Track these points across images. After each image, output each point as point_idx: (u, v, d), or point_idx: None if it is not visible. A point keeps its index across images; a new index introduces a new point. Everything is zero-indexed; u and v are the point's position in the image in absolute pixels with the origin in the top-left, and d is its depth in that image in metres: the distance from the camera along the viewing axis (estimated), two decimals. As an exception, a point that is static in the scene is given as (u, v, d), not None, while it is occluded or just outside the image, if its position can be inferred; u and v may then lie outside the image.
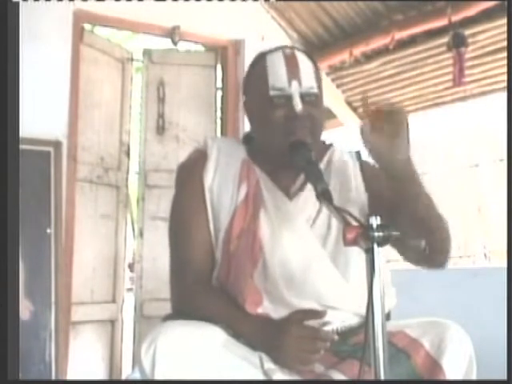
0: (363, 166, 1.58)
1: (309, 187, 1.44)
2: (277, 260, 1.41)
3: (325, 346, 1.29)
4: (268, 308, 1.39)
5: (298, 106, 1.42)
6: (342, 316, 1.43)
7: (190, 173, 1.53)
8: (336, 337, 1.30)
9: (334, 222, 1.43)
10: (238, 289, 1.40)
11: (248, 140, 1.60)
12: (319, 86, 1.48)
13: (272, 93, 1.43)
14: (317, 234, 1.46)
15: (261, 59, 1.50)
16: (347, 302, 1.43)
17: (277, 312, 1.39)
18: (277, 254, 1.41)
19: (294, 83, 1.43)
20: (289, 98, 1.43)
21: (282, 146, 1.42)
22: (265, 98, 1.44)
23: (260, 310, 1.38)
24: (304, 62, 1.47)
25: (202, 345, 1.25)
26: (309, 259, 1.42)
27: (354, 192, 1.53)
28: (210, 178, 1.50)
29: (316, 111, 1.46)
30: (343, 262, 1.43)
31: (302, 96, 1.43)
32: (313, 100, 1.45)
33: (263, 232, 1.42)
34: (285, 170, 1.49)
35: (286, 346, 1.28)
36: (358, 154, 1.61)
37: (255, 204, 1.45)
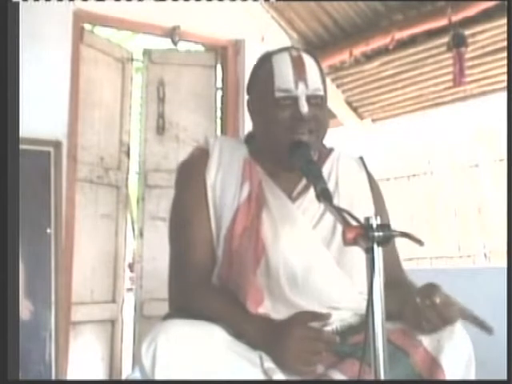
0: (370, 177, 1.61)
1: (312, 190, 1.43)
2: (279, 259, 1.41)
3: (326, 348, 1.29)
4: (269, 307, 1.39)
5: (304, 108, 1.42)
6: (342, 315, 1.43)
7: (192, 170, 1.53)
8: (338, 338, 1.30)
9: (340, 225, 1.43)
10: (239, 287, 1.40)
11: (250, 139, 1.60)
12: (324, 88, 1.49)
13: (278, 94, 1.44)
14: (320, 235, 1.46)
15: (266, 60, 1.51)
16: (351, 303, 1.43)
17: (278, 312, 1.39)
18: (279, 254, 1.41)
19: (301, 85, 1.43)
20: (295, 100, 1.43)
21: (286, 147, 1.43)
22: (270, 98, 1.45)
23: (261, 309, 1.38)
24: (310, 64, 1.48)
25: (202, 344, 1.25)
26: (311, 260, 1.42)
27: (362, 197, 1.56)
28: (212, 175, 1.50)
29: (321, 113, 1.47)
30: (349, 264, 1.43)
31: (308, 98, 1.44)
32: (318, 102, 1.46)
33: (265, 232, 1.42)
34: (287, 171, 1.50)
35: (288, 347, 1.27)
36: (362, 160, 1.63)
37: (258, 204, 1.46)
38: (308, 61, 1.48)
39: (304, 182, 1.50)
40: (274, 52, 1.51)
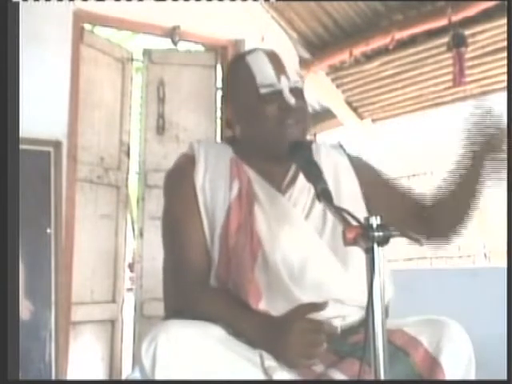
0: (352, 158, 1.62)
1: (300, 181, 1.47)
2: (276, 253, 1.41)
3: (327, 339, 1.29)
4: (269, 303, 1.39)
5: (291, 99, 1.46)
6: (344, 310, 1.42)
7: (180, 176, 1.53)
8: (339, 329, 1.30)
9: (330, 214, 1.43)
10: (238, 285, 1.40)
11: (232, 141, 1.60)
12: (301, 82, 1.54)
13: (262, 90, 1.46)
14: (312, 225, 1.47)
15: (240, 61, 1.54)
16: (348, 291, 1.43)
17: (278, 306, 1.38)
18: (275, 247, 1.41)
19: (283, 78, 1.47)
20: (279, 93, 1.46)
21: (279, 141, 1.44)
22: (254, 96, 1.47)
23: (261, 306, 1.38)
24: (284, 59, 1.52)
25: (202, 343, 1.25)
26: (307, 250, 1.43)
27: (349, 185, 1.55)
28: (200, 178, 1.50)
29: (304, 105, 1.51)
30: (342, 251, 1.42)
31: (291, 90, 1.47)
32: (299, 94, 1.49)
33: (259, 226, 1.43)
34: (274, 166, 1.51)
35: (289, 341, 1.27)
36: (341, 146, 1.64)
37: (249, 200, 1.46)
38: (282, 56, 1.52)
39: (291, 173, 1.51)
40: (246, 53, 1.54)
